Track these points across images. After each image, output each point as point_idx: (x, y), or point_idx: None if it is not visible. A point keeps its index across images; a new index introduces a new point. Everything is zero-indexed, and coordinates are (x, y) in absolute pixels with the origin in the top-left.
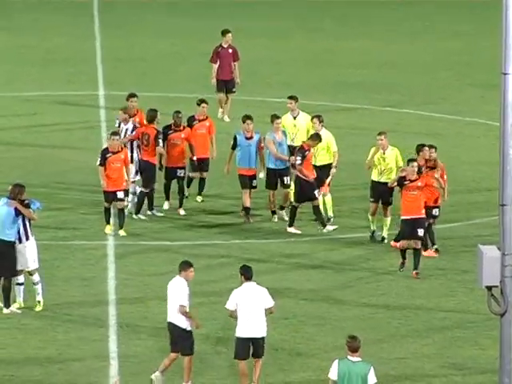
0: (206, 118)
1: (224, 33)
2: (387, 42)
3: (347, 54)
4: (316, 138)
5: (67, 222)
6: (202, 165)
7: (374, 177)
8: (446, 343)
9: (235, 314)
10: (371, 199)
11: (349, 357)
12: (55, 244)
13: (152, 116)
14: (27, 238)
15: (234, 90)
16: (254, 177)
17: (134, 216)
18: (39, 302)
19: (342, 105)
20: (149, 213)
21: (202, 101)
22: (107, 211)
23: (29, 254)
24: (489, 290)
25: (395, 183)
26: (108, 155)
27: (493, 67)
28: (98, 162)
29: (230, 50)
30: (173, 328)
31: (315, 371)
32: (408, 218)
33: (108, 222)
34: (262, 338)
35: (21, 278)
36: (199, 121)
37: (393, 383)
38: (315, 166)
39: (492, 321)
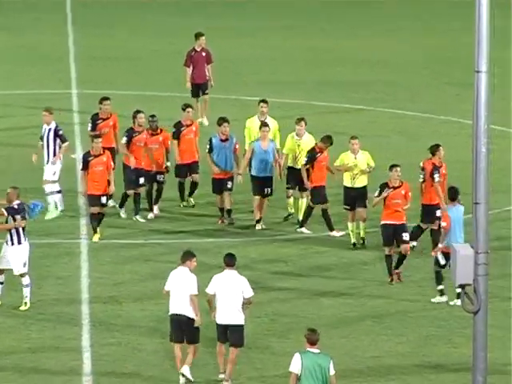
0: (192, 122)
1: (197, 36)
2: (364, 40)
3: (324, 52)
4: (327, 140)
5: (40, 221)
6: (191, 168)
7: (347, 182)
8: (420, 341)
9: (213, 300)
10: (346, 207)
11: (309, 349)
12: (29, 243)
13: (132, 116)
14: (19, 242)
15: (206, 91)
16: (230, 179)
17: (118, 208)
18: (26, 303)
19: (318, 103)
20: (133, 218)
21: (187, 105)
22: (93, 217)
23: (19, 258)
24: (462, 289)
25: (376, 199)
26: (90, 158)
27: (469, 65)
28: (80, 167)
29: (204, 54)
30: (180, 318)
31: (288, 369)
32: (388, 223)
33: (95, 231)
34: (238, 326)
35: (0, 278)
36: (186, 126)
37: (367, 382)
38: (298, 171)
39: (465, 319)
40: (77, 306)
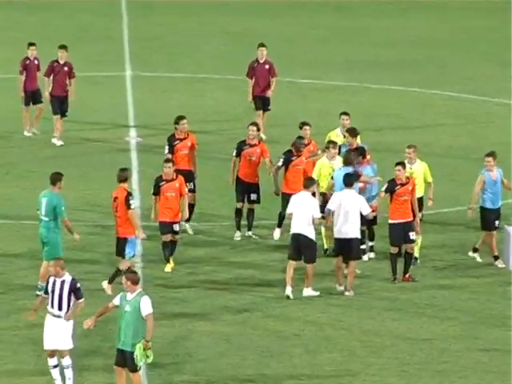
0: (310, 142)
1: (258, 46)
2: (415, 20)
3: (375, 32)
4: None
5: (97, 203)
6: None
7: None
8: (472, 324)
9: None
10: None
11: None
12: (84, 225)
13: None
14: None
15: (269, 107)
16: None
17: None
18: None
19: (369, 85)
20: (246, 234)
21: (304, 123)
22: (165, 246)
23: (65, 333)
24: None
25: (383, 194)
26: (161, 184)
27: None
28: (152, 191)
29: (267, 66)
30: (300, 238)
31: (341, 351)
32: (397, 222)
33: (168, 260)
34: (353, 239)
35: (54, 361)
36: (305, 145)
37: (420, 364)
38: (321, 194)
39: None
40: None
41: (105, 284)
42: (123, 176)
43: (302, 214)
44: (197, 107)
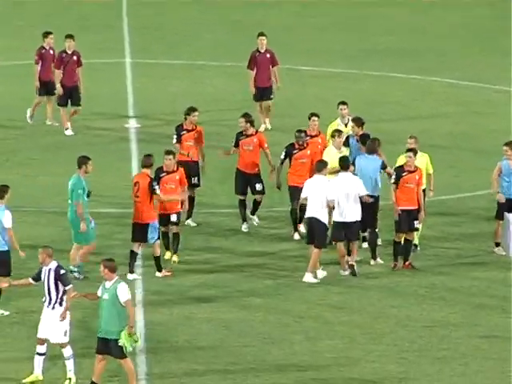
0: (319, 133)
1: (258, 36)
2: (415, 8)
3: (375, 20)
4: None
5: (98, 191)
6: None
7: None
8: (473, 311)
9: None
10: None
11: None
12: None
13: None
14: (60, 303)
15: (271, 96)
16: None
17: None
18: (70, 378)
19: (370, 72)
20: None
21: (312, 114)
22: (165, 236)
23: (59, 325)
24: None
25: (394, 186)
26: (162, 175)
27: None
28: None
29: (268, 55)
30: (312, 221)
31: (341, 338)
32: (402, 208)
33: (167, 248)
34: (353, 222)
35: (42, 348)
36: (311, 137)
37: (419, 351)
38: None
39: None
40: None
41: (159, 274)
42: (148, 162)
43: (316, 197)
44: (196, 94)
